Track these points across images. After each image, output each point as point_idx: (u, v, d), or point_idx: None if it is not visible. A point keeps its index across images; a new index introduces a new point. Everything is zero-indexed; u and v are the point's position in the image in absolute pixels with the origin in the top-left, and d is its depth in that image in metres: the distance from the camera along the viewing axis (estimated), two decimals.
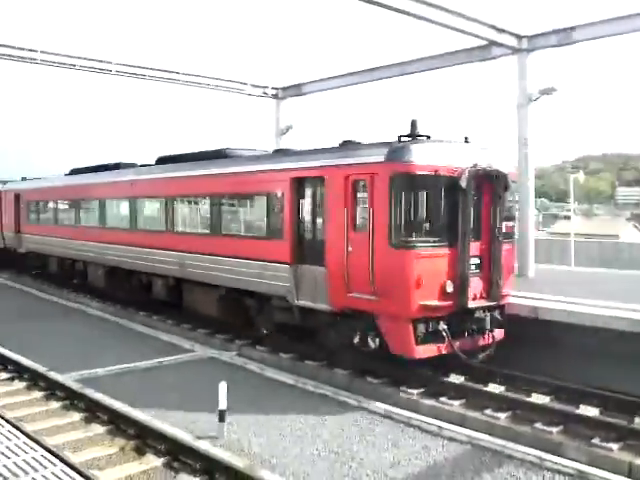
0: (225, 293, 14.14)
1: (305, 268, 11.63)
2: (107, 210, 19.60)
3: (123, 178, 18.74)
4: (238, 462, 7.69)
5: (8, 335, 15.40)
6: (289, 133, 25.01)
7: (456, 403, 10.24)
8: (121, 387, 11.33)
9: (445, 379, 11.23)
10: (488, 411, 9.78)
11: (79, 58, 21.26)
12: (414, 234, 9.64)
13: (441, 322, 9.92)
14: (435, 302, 9.76)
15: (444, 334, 9.95)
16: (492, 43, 17.27)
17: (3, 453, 5.54)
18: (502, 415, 9.60)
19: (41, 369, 11.71)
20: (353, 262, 10.35)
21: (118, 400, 10.06)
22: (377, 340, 10.62)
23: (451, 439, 9.01)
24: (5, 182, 29.74)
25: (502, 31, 16.94)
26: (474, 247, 10.29)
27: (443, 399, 10.44)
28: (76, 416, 9.77)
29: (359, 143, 11.44)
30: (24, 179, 29.32)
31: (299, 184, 11.56)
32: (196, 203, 15.25)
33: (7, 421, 6.46)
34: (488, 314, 10.62)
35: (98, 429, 9.18)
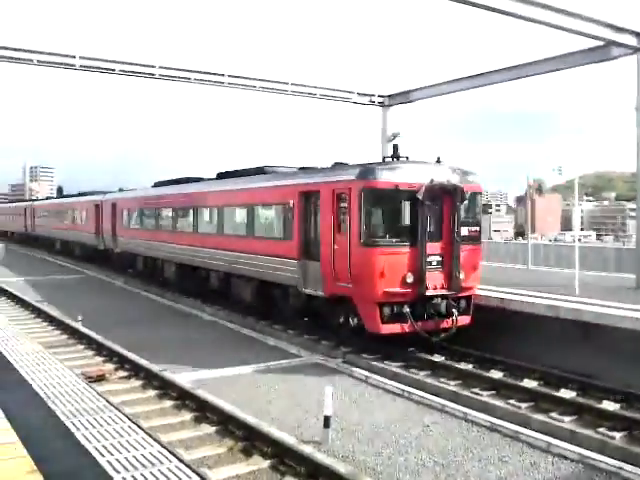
0: (258, 284, 17.38)
1: (308, 263, 14.50)
2: (176, 216, 23.42)
3: (186, 191, 22.69)
4: (342, 468, 7.77)
5: (127, 337, 16.40)
6: (398, 140, 25.00)
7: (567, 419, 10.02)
8: (230, 389, 11.74)
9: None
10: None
11: (194, 72, 22.32)
12: (378, 235, 12.51)
13: (404, 306, 12.58)
14: (397, 289, 12.44)
15: (407, 316, 12.58)
16: (611, 43, 16.51)
17: (124, 447, 5.94)
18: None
19: (155, 369, 12.35)
20: (337, 257, 13.22)
21: (227, 402, 10.45)
22: (355, 320, 13.57)
23: (560, 456, 8.71)
24: (105, 193, 34.57)
25: (621, 30, 16.17)
26: (435, 247, 13.00)
27: (553, 414, 10.38)
28: (187, 415, 10.23)
29: (345, 164, 14.67)
30: (120, 190, 33.91)
31: (304, 196, 14.62)
32: (237, 211, 18.55)
33: (127, 417, 6.90)
34: (444, 301, 13.07)
35: (208, 429, 9.57)
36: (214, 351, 14.94)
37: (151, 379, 12.06)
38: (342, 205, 13.35)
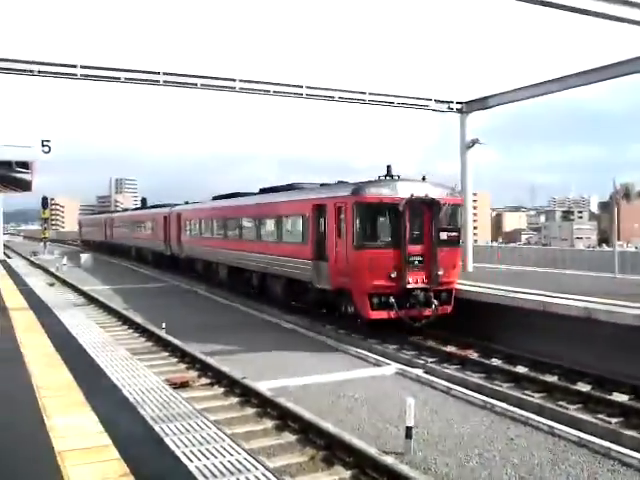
0: (285, 282, 21.03)
1: (319, 263, 17.98)
2: (226, 226, 27.85)
3: (232, 204, 27.35)
4: None
5: (209, 344, 16.83)
6: (478, 146, 24.63)
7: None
8: (311, 398, 11.88)
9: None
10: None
11: (273, 84, 22.76)
12: (367, 240, 15.98)
13: (390, 297, 15.82)
14: (383, 283, 15.80)
15: (392, 305, 15.82)
16: None
17: (212, 453, 6.13)
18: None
19: (237, 376, 12.64)
20: (339, 258, 16.70)
21: (308, 410, 10.57)
22: (351, 308, 16.97)
23: None
24: (173, 206, 39.88)
25: None
26: (417, 249, 16.34)
27: None
28: (269, 423, 10.41)
29: (345, 182, 18.89)
30: (186, 203, 38.92)
31: (316, 209, 18.21)
32: (270, 221, 22.48)
33: (213, 423, 7.12)
34: (422, 293, 16.23)
35: (289, 437, 9.70)
36: (294, 360, 15.13)
37: (233, 386, 12.34)
38: (341, 216, 16.96)
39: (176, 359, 15.03)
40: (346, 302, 17.40)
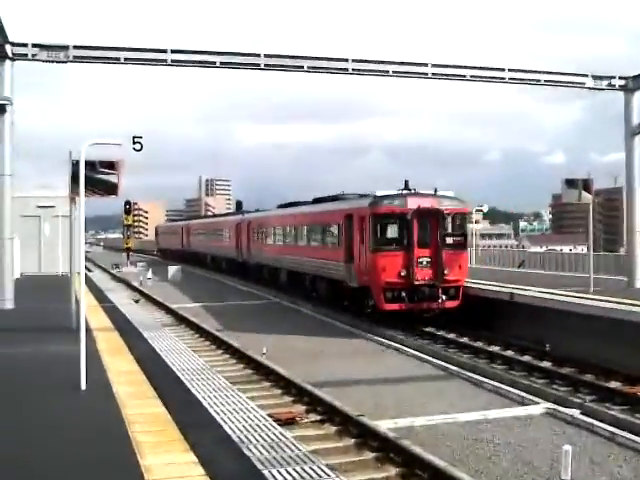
0: (328, 281, 28.20)
1: (349, 264, 24.72)
2: (284, 233, 35.89)
3: (289, 212, 35.43)
4: None
5: (317, 373, 17.07)
6: None
7: None
8: (441, 441, 11.73)
9: None
10: None
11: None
12: (381, 244, 22.46)
13: (402, 291, 22.05)
14: (395, 279, 22.05)
15: (403, 298, 22.12)
16: None
17: None
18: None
19: (352, 413, 12.66)
20: (362, 260, 22.95)
21: (438, 456, 10.42)
22: (371, 302, 23.57)
23: None
24: (244, 213, 48.41)
25: None
26: (425, 251, 22.85)
27: None
28: (392, 470, 10.32)
29: (367, 195, 25.65)
30: (256, 210, 47.21)
31: (346, 218, 25.12)
32: (318, 228, 30.29)
33: (327, 468, 7.16)
34: (428, 289, 22.70)
35: None
36: (418, 393, 15.03)
37: (348, 425, 12.38)
38: (363, 224, 24.06)
39: (280, 390, 15.29)
40: (368, 297, 24.50)
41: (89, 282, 35.40)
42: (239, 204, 74.24)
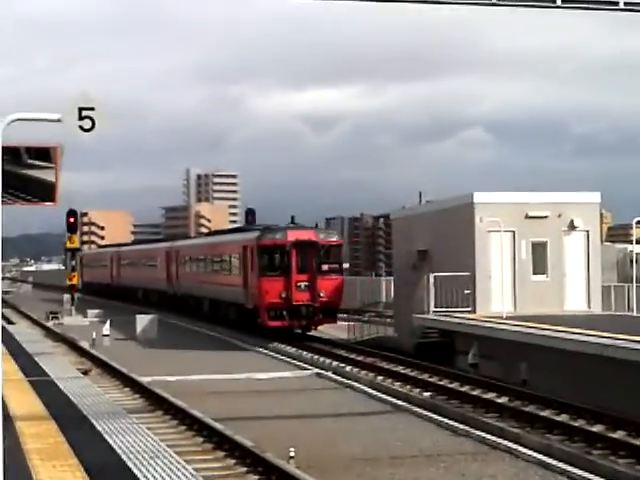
0: (235, 306, 52.59)
1: (245, 289, 49.29)
2: (204, 261, 63.28)
3: (204, 241, 70.68)
4: None
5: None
6: None
7: None
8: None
9: None
10: None
11: None
12: (265, 270, 46.72)
13: (283, 311, 45.10)
14: (277, 300, 45.28)
15: (284, 316, 45.19)
16: None
17: None
18: None
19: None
20: (252, 284, 47.51)
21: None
22: (260, 319, 47.75)
23: None
24: (174, 240, 75.51)
25: None
26: (303, 277, 45.90)
27: None
28: None
29: (259, 227, 53.15)
30: (188, 237, 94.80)
31: (243, 248, 50.11)
32: (222, 257, 57.91)
33: None
34: (305, 308, 45.55)
35: None
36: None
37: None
38: (252, 254, 47.14)
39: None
40: (257, 315, 44.76)
41: (9, 341, 35.74)
42: (249, 215, 74.33)
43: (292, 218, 50.12)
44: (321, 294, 45.01)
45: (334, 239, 48.69)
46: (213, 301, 57.88)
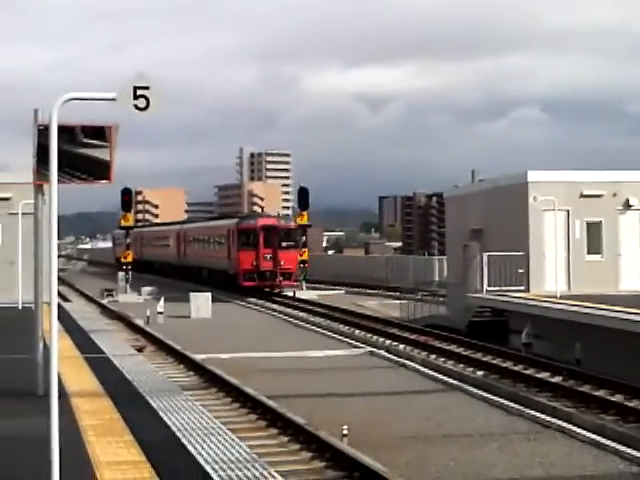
0: (223, 273, 76.44)
1: (229, 259, 73.86)
2: (202, 240, 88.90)
3: (202, 225, 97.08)
4: None
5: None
6: None
7: None
8: None
9: None
10: None
11: None
12: (242, 246, 70.61)
13: (254, 275, 69.33)
14: (249, 267, 69.36)
15: (255, 278, 69.64)
16: None
17: None
18: None
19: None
20: (232, 256, 72.53)
21: None
22: (238, 282, 71.78)
23: None
24: (183, 223, 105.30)
25: None
26: (268, 251, 69.31)
27: None
28: None
29: (238, 215, 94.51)
30: (192, 221, 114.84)
31: (228, 230, 75.62)
32: (212, 237, 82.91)
33: None
34: (269, 273, 69.21)
35: None
36: None
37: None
38: (233, 235, 72.23)
39: None
40: (237, 278, 68.79)
41: (65, 319, 36.05)
42: (303, 193, 74.71)
43: (262, 208, 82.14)
44: (281, 263, 67.30)
45: (291, 224, 73.80)
46: (209, 270, 79.59)
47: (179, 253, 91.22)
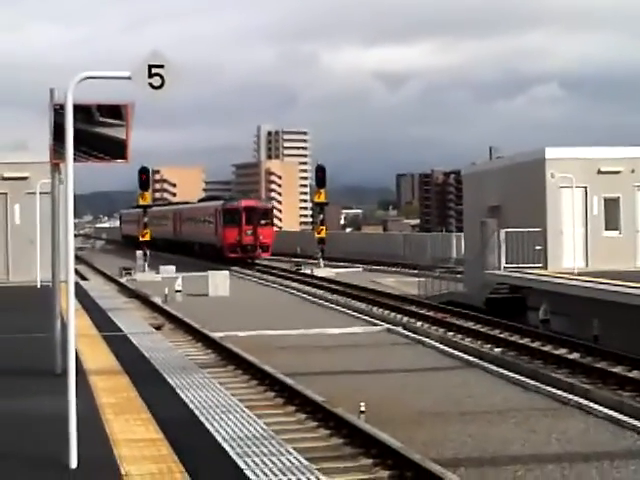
0: (211, 246, 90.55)
1: (217, 235, 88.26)
2: (193, 219, 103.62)
3: (194, 206, 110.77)
4: None
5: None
6: None
7: None
8: None
9: None
10: None
11: None
12: (227, 223, 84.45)
13: (237, 248, 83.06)
14: (233, 241, 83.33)
15: (238, 250, 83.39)
16: None
17: None
18: None
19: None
20: (219, 232, 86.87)
21: None
22: (224, 254, 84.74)
23: None
24: (178, 204, 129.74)
25: None
26: (250, 227, 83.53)
27: None
28: None
29: (224, 198, 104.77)
30: (186, 203, 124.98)
31: (215, 210, 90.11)
32: (202, 216, 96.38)
33: None
34: (250, 246, 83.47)
35: None
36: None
37: None
38: (219, 214, 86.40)
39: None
40: (223, 251, 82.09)
41: (83, 297, 36.18)
42: (320, 172, 74.58)
43: (245, 194, 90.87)
44: (260, 237, 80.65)
45: (268, 205, 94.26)
46: (200, 244, 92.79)
47: (175, 230, 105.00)
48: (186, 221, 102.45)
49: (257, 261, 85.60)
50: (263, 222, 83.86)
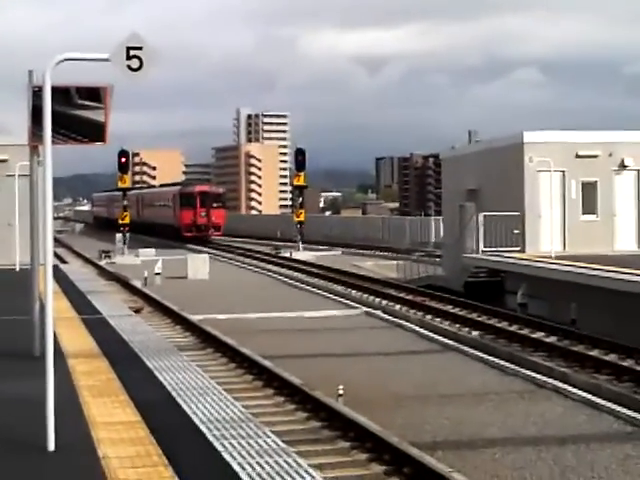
0: (170, 227, 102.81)
1: (174, 216, 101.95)
2: (152, 203, 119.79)
3: (153, 190, 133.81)
4: None
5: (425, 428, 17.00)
6: None
7: None
8: None
9: None
10: None
11: None
12: (183, 206, 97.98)
13: (192, 228, 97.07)
14: (189, 222, 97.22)
15: (192, 230, 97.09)
16: None
17: None
18: None
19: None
20: (176, 213, 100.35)
21: None
22: (180, 233, 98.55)
23: None
24: (141, 188, 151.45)
25: None
26: (204, 209, 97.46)
27: None
28: None
29: (181, 183, 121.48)
30: (148, 187, 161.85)
31: (173, 195, 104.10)
32: (162, 200, 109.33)
33: None
34: (203, 226, 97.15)
35: None
36: None
37: None
38: (176, 198, 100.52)
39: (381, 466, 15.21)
40: (180, 231, 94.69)
41: (62, 280, 36.16)
42: (299, 155, 74.40)
43: (201, 180, 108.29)
44: (212, 218, 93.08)
45: (220, 190, 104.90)
46: (160, 225, 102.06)
47: (138, 213, 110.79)
48: (147, 205, 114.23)
49: (237, 245, 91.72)
50: (215, 205, 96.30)
